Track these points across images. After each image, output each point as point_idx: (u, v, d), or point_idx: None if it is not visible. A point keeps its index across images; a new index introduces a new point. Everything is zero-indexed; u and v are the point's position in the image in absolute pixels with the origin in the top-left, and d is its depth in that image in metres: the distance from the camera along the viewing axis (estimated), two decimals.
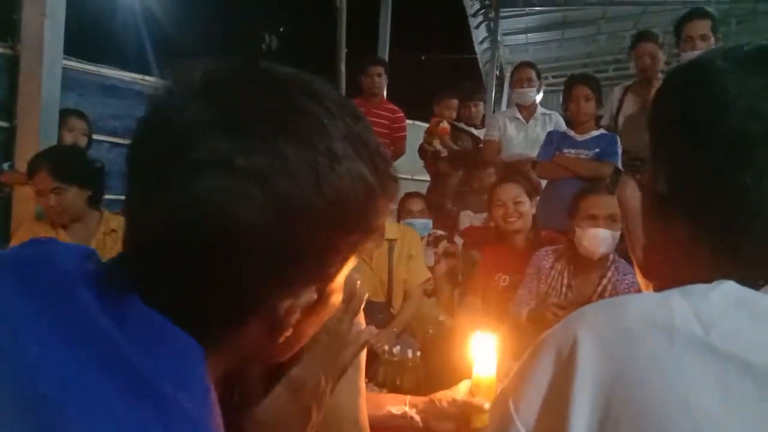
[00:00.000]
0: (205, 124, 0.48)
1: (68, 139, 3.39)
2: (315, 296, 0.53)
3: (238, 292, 0.50)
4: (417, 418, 1.18)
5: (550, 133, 3.58)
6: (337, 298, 0.61)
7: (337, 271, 0.56)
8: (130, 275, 0.51)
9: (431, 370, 2.45)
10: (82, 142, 3.47)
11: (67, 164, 2.44)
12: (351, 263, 0.59)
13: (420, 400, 1.21)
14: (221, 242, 0.48)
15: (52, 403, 0.43)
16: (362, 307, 0.70)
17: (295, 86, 0.53)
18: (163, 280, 0.50)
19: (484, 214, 3.87)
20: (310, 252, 0.51)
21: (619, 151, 3.30)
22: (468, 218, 3.99)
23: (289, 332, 0.54)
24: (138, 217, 0.52)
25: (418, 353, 2.56)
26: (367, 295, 0.69)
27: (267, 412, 0.65)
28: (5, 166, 3.26)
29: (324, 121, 0.51)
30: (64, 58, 3.60)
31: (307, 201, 0.49)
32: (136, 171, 0.52)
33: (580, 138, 3.37)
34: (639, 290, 2.26)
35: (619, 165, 3.30)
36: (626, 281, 2.38)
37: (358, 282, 0.68)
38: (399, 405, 1.19)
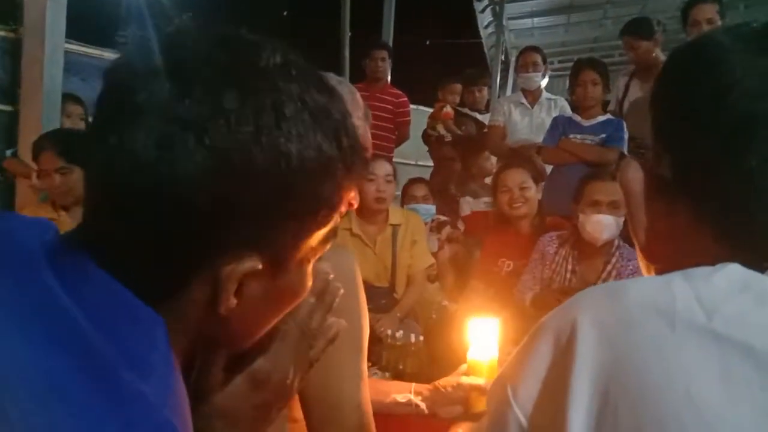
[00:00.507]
0: (153, 71, 0.47)
1: (67, 124, 3.38)
2: (259, 265, 0.50)
3: (174, 248, 0.48)
4: (422, 405, 1.18)
5: (555, 118, 3.56)
6: (299, 282, 0.58)
7: (292, 246, 0.53)
8: (87, 240, 0.50)
9: (434, 355, 2.46)
10: (80, 126, 3.45)
11: (72, 145, 2.45)
12: (316, 244, 0.56)
13: (425, 387, 1.21)
14: (152, 192, 0.46)
15: (4, 393, 0.41)
16: (335, 303, 0.67)
17: (260, 49, 0.51)
18: (107, 239, 0.49)
19: (484, 199, 3.87)
20: (249, 211, 0.48)
21: (626, 136, 3.28)
22: (468, 205, 3.98)
23: (233, 303, 0.51)
24: (86, 171, 0.51)
25: (421, 338, 2.57)
26: (342, 291, 0.66)
27: (225, 402, 0.63)
28: (8, 153, 3.25)
29: (278, 83, 0.49)
30: (66, 42, 3.59)
31: (243, 153, 0.47)
32: (91, 122, 0.51)
33: (586, 123, 3.35)
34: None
35: (625, 151, 3.29)
36: (630, 267, 2.38)
37: (331, 275, 0.65)
38: (404, 393, 1.18)
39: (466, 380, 1.19)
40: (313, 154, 0.50)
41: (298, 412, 0.86)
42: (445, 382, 1.20)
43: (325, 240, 0.57)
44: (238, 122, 0.47)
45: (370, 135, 1.08)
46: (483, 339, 1.23)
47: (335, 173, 0.52)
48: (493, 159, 4.12)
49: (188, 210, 0.47)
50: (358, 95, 1.06)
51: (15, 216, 0.54)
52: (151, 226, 0.47)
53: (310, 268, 0.58)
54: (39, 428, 0.40)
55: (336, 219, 0.56)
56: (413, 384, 1.22)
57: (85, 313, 0.45)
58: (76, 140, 2.50)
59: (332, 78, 1.02)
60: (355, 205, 0.57)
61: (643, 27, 3.54)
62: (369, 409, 0.89)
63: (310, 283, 0.59)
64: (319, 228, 0.54)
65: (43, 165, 2.43)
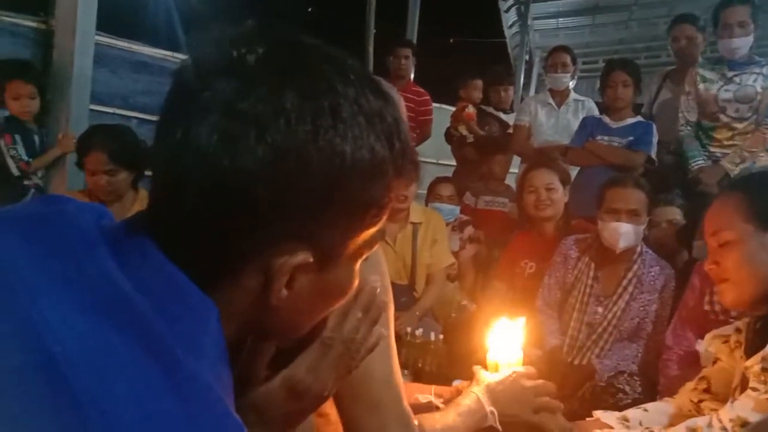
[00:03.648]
0: (219, 70, 0.50)
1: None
2: (310, 259, 0.52)
3: (230, 237, 0.50)
4: (442, 407, 1.19)
5: (584, 119, 3.53)
6: (346, 279, 0.59)
7: (342, 242, 0.55)
8: (149, 228, 0.52)
9: (453, 354, 2.46)
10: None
11: (123, 147, 2.50)
12: (364, 243, 0.57)
13: (445, 389, 1.23)
14: (213, 183, 0.49)
15: (64, 364, 0.43)
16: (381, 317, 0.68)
17: (318, 51, 0.54)
18: (168, 225, 0.51)
19: (484, 198, 3.88)
20: (303, 206, 0.50)
21: (654, 140, 3.23)
22: (468, 201, 3.95)
23: (283, 293, 0.53)
24: (154, 163, 0.54)
25: (441, 336, 2.57)
26: (392, 309, 0.68)
27: (261, 401, 0.65)
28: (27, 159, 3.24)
29: (336, 85, 0.51)
30: (96, 34, 3.63)
31: (301, 151, 0.49)
32: (159, 118, 0.54)
33: (614, 125, 3.31)
34: (663, 282, 2.17)
35: (653, 154, 3.25)
36: (652, 273, 2.35)
37: (378, 289, 0.67)
38: (425, 394, 1.20)
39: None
40: (366, 155, 0.52)
41: (325, 407, 0.87)
42: (468, 385, 1.20)
43: (372, 240, 0.58)
44: (298, 121, 0.49)
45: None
46: (505, 341, 1.23)
47: (386, 174, 0.54)
48: (505, 163, 4.10)
49: (246, 202, 0.49)
50: (403, 105, 1.06)
51: (70, 199, 0.56)
52: (210, 216, 0.50)
53: (357, 266, 0.60)
54: (99, 399, 0.42)
55: (384, 221, 0.58)
56: (433, 386, 1.23)
57: (142, 294, 0.47)
58: (125, 142, 2.54)
59: (384, 84, 1.03)
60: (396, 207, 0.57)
61: (698, 20, 3.49)
62: (400, 383, 0.89)
63: (356, 282, 0.61)
64: (368, 227, 0.56)
65: (92, 165, 2.48)
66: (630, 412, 1.35)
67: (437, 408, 1.19)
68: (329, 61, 0.53)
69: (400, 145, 0.55)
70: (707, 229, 1.30)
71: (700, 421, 1.19)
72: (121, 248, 0.50)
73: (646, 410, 1.37)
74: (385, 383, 0.87)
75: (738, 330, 1.31)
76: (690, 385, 1.38)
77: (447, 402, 1.19)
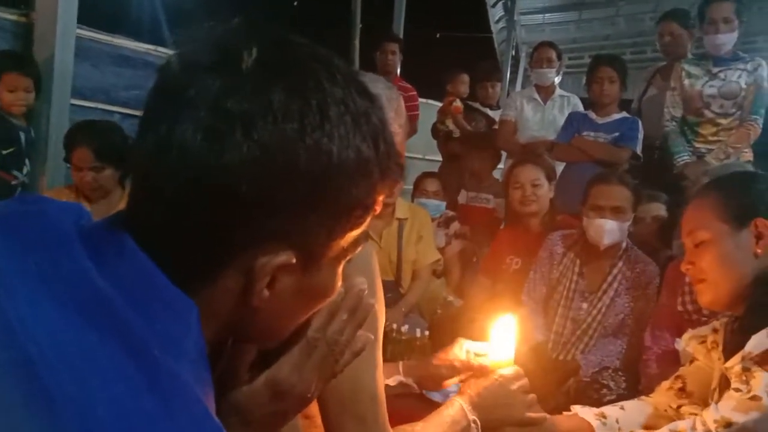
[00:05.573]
0: (205, 67, 0.49)
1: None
2: (293, 260, 0.52)
3: (212, 236, 0.50)
4: (414, 385, 1.20)
5: (570, 115, 3.55)
6: (329, 281, 0.58)
7: (326, 243, 0.54)
8: (129, 226, 0.51)
9: (439, 350, 2.45)
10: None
11: (109, 144, 2.48)
12: (348, 245, 0.57)
13: (412, 365, 1.23)
14: (197, 180, 0.48)
15: (40, 363, 0.42)
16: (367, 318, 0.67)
17: (306, 50, 0.54)
18: (148, 223, 0.51)
19: (470, 194, 3.88)
20: (288, 205, 0.50)
21: (640, 136, 3.25)
22: (462, 199, 3.96)
23: (265, 294, 0.52)
24: (135, 159, 0.53)
25: (427, 332, 2.57)
26: (376, 306, 0.67)
27: (243, 401, 0.65)
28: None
29: (323, 84, 0.51)
30: (78, 27, 3.58)
31: (287, 149, 0.48)
32: (143, 114, 0.53)
33: (600, 120, 3.33)
34: (648, 279, 2.19)
35: (638, 150, 3.26)
36: (637, 270, 2.37)
37: (365, 291, 0.66)
38: (393, 376, 1.20)
39: (460, 361, 1.17)
40: (352, 155, 0.52)
41: (311, 409, 0.86)
42: (439, 361, 1.20)
43: (357, 241, 0.58)
44: (285, 119, 0.49)
45: (405, 142, 1.08)
46: (504, 340, 1.21)
47: (371, 175, 0.54)
48: (487, 159, 4.08)
49: (229, 200, 0.48)
50: (402, 102, 1.06)
51: (48, 200, 0.55)
52: (192, 213, 0.49)
53: (340, 268, 0.59)
54: (76, 398, 0.42)
55: (368, 222, 0.57)
56: (400, 363, 1.22)
57: (120, 293, 0.47)
58: (111, 138, 2.51)
59: (381, 81, 1.03)
60: (379, 211, 0.58)
61: (687, 17, 3.51)
62: (383, 399, 0.89)
63: (339, 284, 0.60)
64: (352, 228, 0.56)
65: (77, 161, 2.46)
66: (607, 409, 1.35)
67: (409, 386, 1.20)
68: (317, 60, 0.53)
69: (386, 146, 0.55)
70: (683, 229, 1.30)
71: (682, 424, 1.19)
72: (99, 246, 0.49)
73: (623, 408, 1.37)
74: (371, 398, 0.87)
75: (715, 330, 1.31)
76: (666, 384, 1.39)
77: (419, 380, 1.20)
